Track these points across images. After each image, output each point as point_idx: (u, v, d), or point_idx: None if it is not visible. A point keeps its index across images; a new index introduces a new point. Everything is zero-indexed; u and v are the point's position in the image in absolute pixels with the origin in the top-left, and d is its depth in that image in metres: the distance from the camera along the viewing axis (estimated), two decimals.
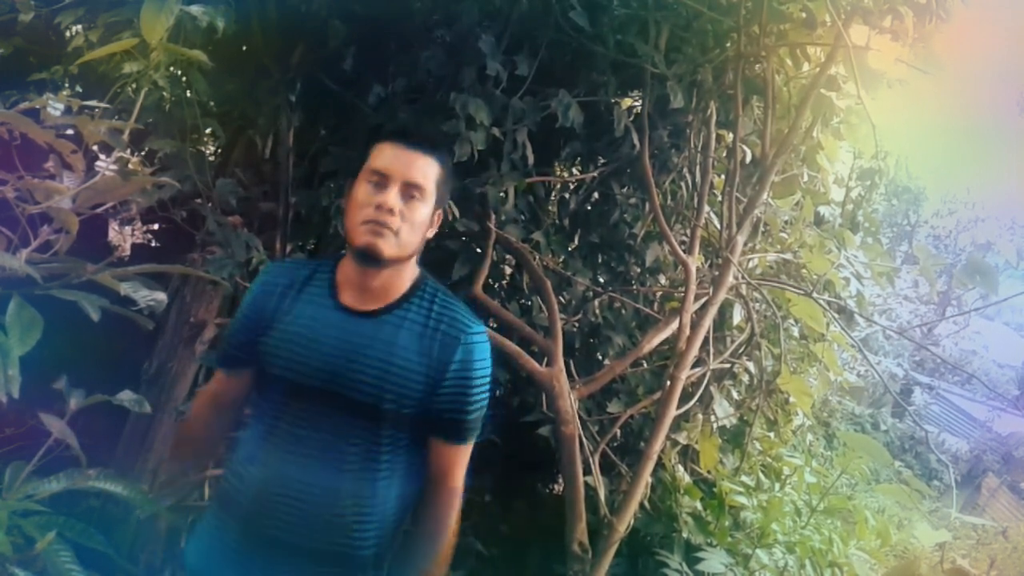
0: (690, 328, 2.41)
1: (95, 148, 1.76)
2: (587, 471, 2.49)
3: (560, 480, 3.00)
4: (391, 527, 1.52)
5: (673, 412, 2.38)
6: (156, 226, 3.54)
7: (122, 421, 2.58)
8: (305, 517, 1.44)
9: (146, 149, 2.63)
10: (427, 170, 1.44)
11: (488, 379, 1.53)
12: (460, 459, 1.55)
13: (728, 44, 2.57)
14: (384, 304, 1.48)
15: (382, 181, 1.41)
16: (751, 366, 2.94)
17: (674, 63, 2.53)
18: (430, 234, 1.50)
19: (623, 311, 3.04)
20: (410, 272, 1.51)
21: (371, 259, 1.42)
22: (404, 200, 1.41)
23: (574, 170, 3.15)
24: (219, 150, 2.95)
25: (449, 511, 1.54)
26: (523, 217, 2.77)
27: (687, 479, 2.77)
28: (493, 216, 2.56)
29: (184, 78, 2.16)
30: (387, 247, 1.40)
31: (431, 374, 1.46)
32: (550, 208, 3.06)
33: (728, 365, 2.85)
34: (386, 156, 1.43)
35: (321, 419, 1.45)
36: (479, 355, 1.50)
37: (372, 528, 1.48)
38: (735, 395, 3.00)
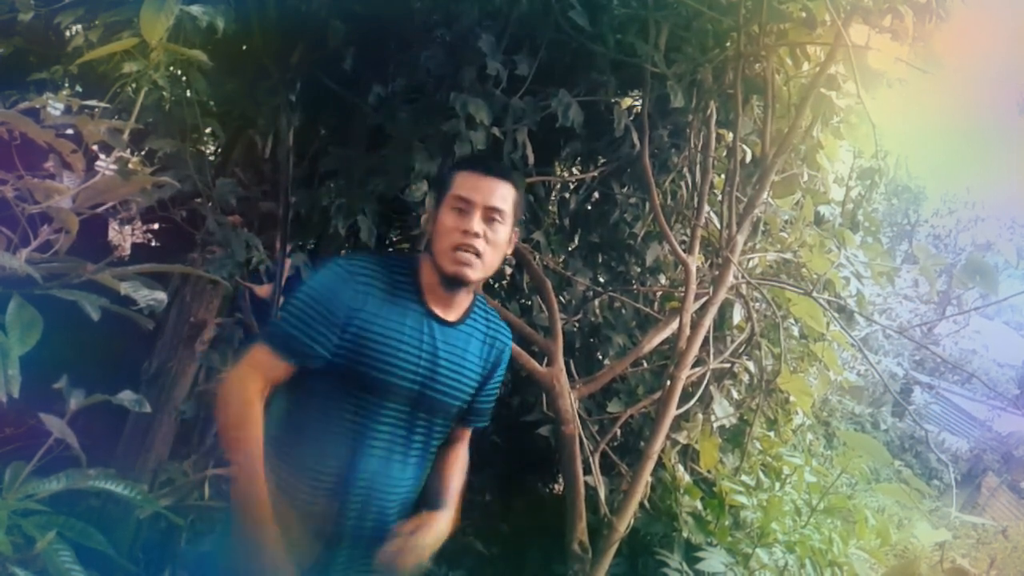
0: (690, 328, 2.41)
1: (95, 148, 1.76)
2: (587, 471, 2.49)
3: (560, 479, 3.01)
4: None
5: (673, 412, 2.37)
6: (156, 226, 3.54)
7: (122, 421, 2.58)
8: (381, 508, 1.57)
9: (146, 149, 2.63)
10: (506, 194, 1.57)
11: None
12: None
13: (728, 44, 2.57)
14: (461, 315, 1.64)
15: (466, 207, 1.53)
16: (751, 366, 2.94)
17: (674, 63, 2.53)
18: (509, 251, 1.64)
19: (623, 311, 3.04)
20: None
21: (460, 284, 1.56)
22: (487, 223, 1.54)
23: (574, 170, 3.15)
24: (219, 150, 2.95)
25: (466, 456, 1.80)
26: (523, 217, 2.76)
27: (687, 478, 2.77)
28: None
29: (184, 78, 2.16)
30: (474, 273, 1.54)
31: (484, 375, 1.70)
32: (550, 208, 3.07)
33: (728, 365, 2.85)
34: (468, 184, 1.55)
35: (404, 417, 1.58)
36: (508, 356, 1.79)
37: (406, 508, 1.64)
38: (735, 395, 3.00)
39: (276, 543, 1.44)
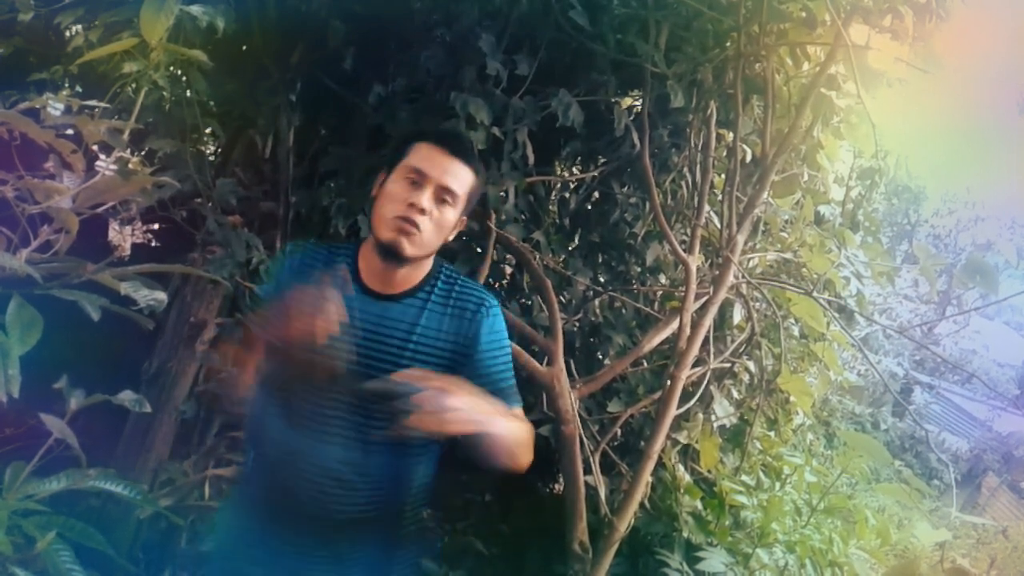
0: (690, 327, 2.41)
1: (95, 148, 1.76)
2: (587, 470, 2.49)
3: (560, 479, 3.00)
4: (404, 494, 1.57)
5: (673, 411, 2.37)
6: (156, 226, 3.54)
7: (122, 421, 2.58)
8: (338, 493, 1.48)
9: (146, 149, 2.63)
10: (463, 177, 1.48)
11: (509, 346, 1.61)
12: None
13: (728, 43, 2.57)
14: (405, 289, 1.52)
15: (419, 180, 1.45)
16: (751, 365, 2.94)
17: (674, 62, 2.53)
18: (450, 237, 1.53)
19: (623, 310, 3.04)
20: (428, 262, 1.56)
21: (393, 256, 1.46)
22: (436, 202, 1.45)
23: (574, 169, 3.15)
24: (219, 150, 2.95)
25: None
26: (523, 216, 2.77)
27: (687, 478, 2.77)
28: (493, 215, 2.56)
29: (184, 78, 2.16)
30: (410, 247, 1.44)
31: (459, 349, 1.52)
32: (550, 207, 3.06)
33: (728, 364, 2.85)
34: (425, 156, 1.46)
35: (347, 399, 1.47)
36: (501, 324, 1.58)
37: (393, 500, 1.54)
38: (735, 394, 3.00)
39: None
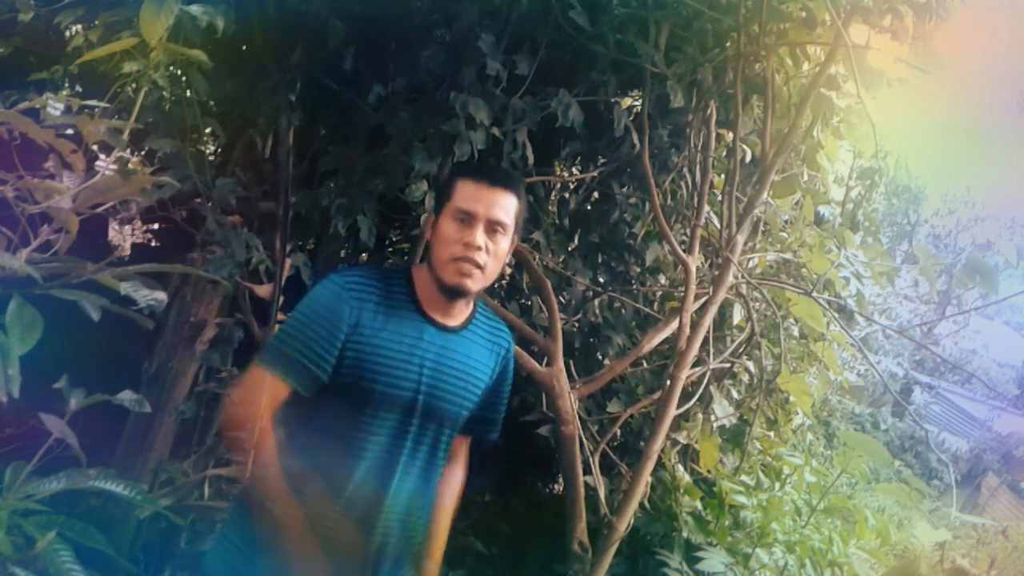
0: (690, 328, 2.41)
1: (95, 148, 1.76)
2: (587, 471, 2.49)
3: (560, 480, 3.01)
4: None
5: (673, 412, 2.37)
6: (156, 226, 3.54)
7: (122, 421, 2.58)
8: (398, 524, 1.54)
9: (146, 149, 2.63)
10: (508, 206, 1.54)
11: None
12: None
13: (728, 43, 2.57)
14: (463, 321, 1.61)
15: (467, 220, 1.50)
16: (751, 366, 2.94)
17: (674, 63, 2.53)
18: (507, 258, 1.61)
19: (623, 311, 3.04)
20: None
21: (458, 295, 1.54)
22: (489, 235, 1.51)
23: (574, 170, 3.15)
24: (219, 150, 2.95)
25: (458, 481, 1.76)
26: (524, 216, 2.76)
27: (687, 479, 2.77)
28: None
29: (184, 78, 2.16)
30: (474, 284, 1.52)
31: (491, 381, 1.67)
32: (550, 208, 3.06)
33: (728, 365, 2.85)
34: (469, 195, 1.51)
35: (408, 429, 1.53)
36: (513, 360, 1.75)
37: (420, 521, 1.62)
38: (735, 395, 3.00)
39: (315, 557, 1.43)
